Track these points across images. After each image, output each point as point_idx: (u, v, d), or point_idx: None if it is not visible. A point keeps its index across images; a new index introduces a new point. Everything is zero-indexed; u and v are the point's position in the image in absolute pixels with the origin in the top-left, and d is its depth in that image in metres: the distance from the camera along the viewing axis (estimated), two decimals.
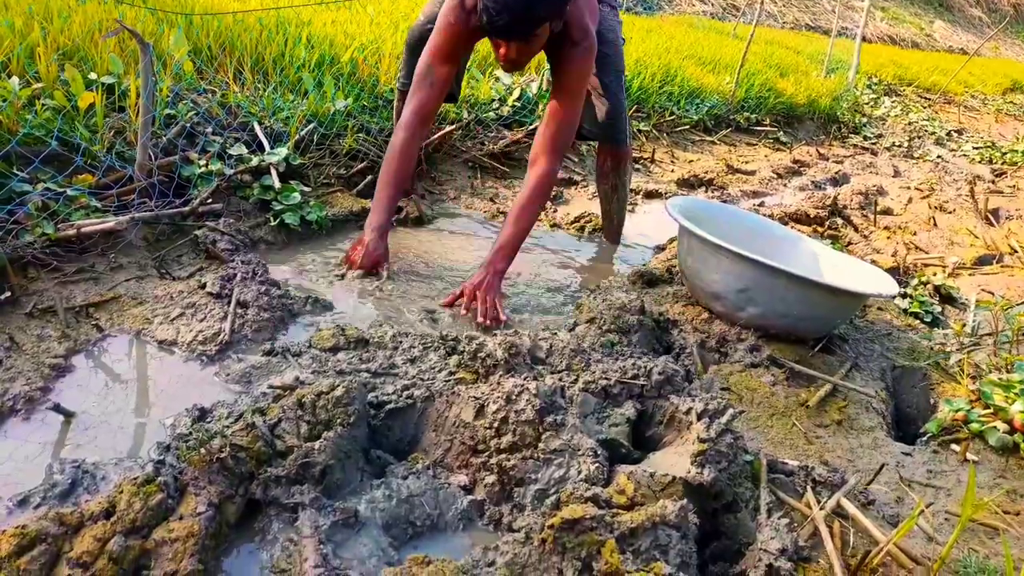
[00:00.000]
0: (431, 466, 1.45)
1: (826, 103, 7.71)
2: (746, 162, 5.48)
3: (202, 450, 1.27)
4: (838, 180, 5.54)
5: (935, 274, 3.18)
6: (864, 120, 8.51)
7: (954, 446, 1.86)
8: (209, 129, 2.79)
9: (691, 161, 5.19)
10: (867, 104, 9.46)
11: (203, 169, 2.59)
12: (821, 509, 1.43)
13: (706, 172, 4.80)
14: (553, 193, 3.75)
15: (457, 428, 1.48)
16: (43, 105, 2.39)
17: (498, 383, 1.52)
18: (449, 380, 1.66)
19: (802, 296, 2.11)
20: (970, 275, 3.38)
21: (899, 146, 7.53)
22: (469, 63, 3.87)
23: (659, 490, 1.32)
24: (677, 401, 1.59)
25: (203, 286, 2.02)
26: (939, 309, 2.80)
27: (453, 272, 2.51)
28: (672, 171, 4.78)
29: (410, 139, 2.39)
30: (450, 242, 2.85)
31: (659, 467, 1.40)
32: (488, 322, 2.09)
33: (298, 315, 2.04)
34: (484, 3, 1.98)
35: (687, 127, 5.81)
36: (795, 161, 5.78)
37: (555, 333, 1.93)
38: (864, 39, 10.65)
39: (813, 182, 5.27)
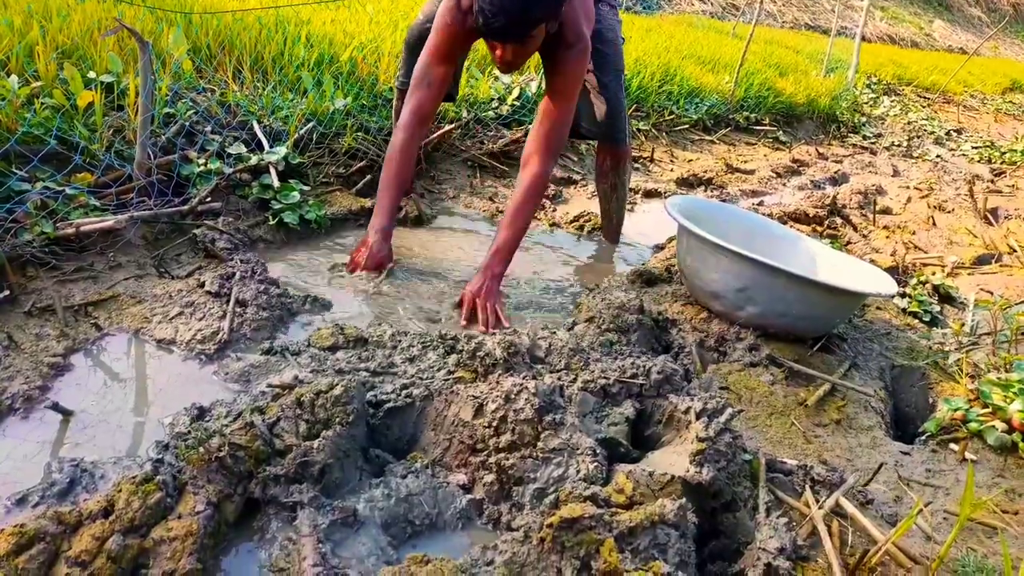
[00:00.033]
0: (430, 465, 1.45)
1: (825, 102, 7.71)
2: (745, 161, 5.48)
3: (201, 449, 1.27)
4: (837, 179, 5.54)
5: (934, 273, 3.18)
6: (863, 119, 8.51)
7: (953, 445, 1.86)
8: (208, 128, 2.79)
9: (690, 160, 5.19)
10: (866, 103, 9.46)
11: (202, 168, 2.59)
12: (820, 508, 1.43)
13: (705, 171, 4.80)
14: (552, 192, 3.75)
15: (456, 427, 1.48)
16: (42, 104, 2.39)
17: (497, 382, 1.52)
18: (448, 379, 1.66)
19: (801, 295, 2.11)
20: (969, 274, 3.38)
21: (898, 145, 7.54)
22: (468, 62, 3.88)
23: (658, 489, 1.32)
24: (676, 400, 1.59)
25: (202, 285, 2.02)
26: (938, 308, 2.80)
27: (453, 271, 2.51)
28: (671, 170, 4.78)
29: (409, 140, 2.40)
30: (449, 241, 2.85)
31: (658, 466, 1.40)
32: (491, 331, 2.09)
33: (297, 314, 2.04)
34: (480, 5, 1.98)
35: (686, 126, 5.81)
36: (794, 160, 5.79)
37: (554, 332, 1.93)
38: (863, 38, 10.65)
39: (812, 181, 5.28)
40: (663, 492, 1.32)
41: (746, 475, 1.50)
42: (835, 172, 5.70)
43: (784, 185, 5.10)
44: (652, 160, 4.89)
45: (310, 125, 3.06)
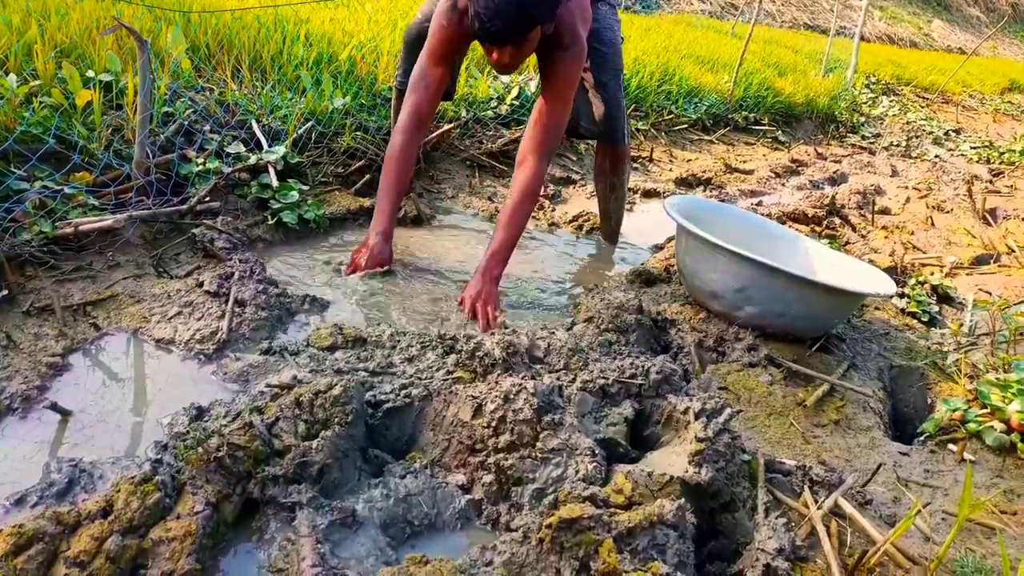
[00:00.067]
0: (429, 465, 1.45)
1: (824, 102, 7.71)
2: (744, 161, 5.48)
3: (199, 449, 1.27)
4: (836, 179, 5.54)
5: (932, 274, 3.18)
6: (862, 119, 8.52)
7: (951, 446, 1.86)
8: (207, 127, 2.78)
9: (689, 160, 5.19)
10: (865, 103, 9.47)
11: (201, 167, 2.58)
12: (818, 509, 1.44)
13: (704, 171, 4.80)
14: (551, 192, 3.75)
15: (455, 427, 1.48)
16: (40, 103, 2.39)
17: (496, 382, 1.52)
18: (447, 379, 1.66)
19: (800, 295, 2.11)
20: (967, 275, 3.38)
21: (897, 145, 7.54)
22: (467, 62, 3.88)
23: (657, 489, 1.32)
24: (675, 400, 1.59)
25: (201, 285, 2.01)
26: (936, 309, 2.81)
27: (452, 271, 2.51)
28: (670, 170, 4.78)
29: (408, 141, 2.40)
30: (449, 241, 2.85)
31: (657, 466, 1.40)
32: (489, 327, 2.09)
33: (296, 314, 2.04)
34: (476, 10, 1.98)
35: (685, 126, 5.81)
36: (793, 160, 5.79)
37: (553, 332, 1.93)
38: (862, 38, 10.65)
39: (811, 181, 5.28)
40: (662, 492, 1.32)
41: (745, 475, 1.50)
42: (834, 172, 5.71)
43: (783, 185, 5.10)
44: (651, 160, 4.89)
45: (309, 124, 3.06)
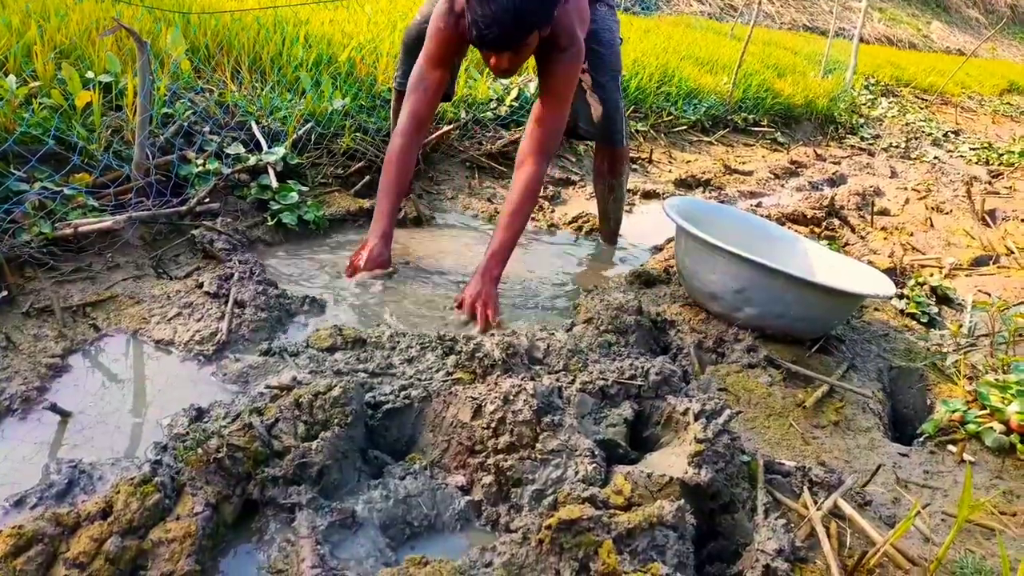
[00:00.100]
0: (428, 466, 1.45)
1: (823, 104, 7.72)
2: (743, 163, 5.49)
3: (199, 450, 1.27)
4: (835, 181, 5.55)
5: (932, 275, 3.18)
6: (861, 121, 8.53)
7: (951, 447, 1.86)
8: (206, 128, 2.79)
9: (688, 161, 5.19)
10: (864, 105, 9.47)
11: (200, 168, 2.58)
12: (818, 510, 1.44)
13: (703, 172, 4.81)
14: (551, 193, 3.75)
15: (454, 428, 1.48)
16: (40, 104, 2.39)
17: (495, 383, 1.52)
18: (446, 380, 1.66)
19: (799, 297, 2.11)
20: (967, 276, 3.38)
21: (896, 147, 7.55)
22: (466, 63, 3.88)
23: (656, 491, 1.32)
24: (674, 402, 1.60)
25: (200, 286, 2.02)
26: (936, 310, 2.81)
27: (451, 272, 2.51)
28: (670, 171, 4.79)
29: (407, 145, 2.40)
30: (448, 242, 2.85)
31: (656, 468, 1.40)
32: (487, 326, 2.09)
33: (295, 315, 2.04)
34: (473, 18, 1.98)
35: (685, 127, 5.82)
36: (792, 162, 5.79)
37: (552, 333, 1.93)
38: (861, 40, 10.66)
39: (810, 183, 5.28)
40: (661, 493, 1.32)
41: (744, 476, 1.50)
42: (833, 173, 5.71)
43: (782, 186, 5.10)
44: (650, 161, 4.89)
45: (308, 126, 3.06)
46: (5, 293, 1.83)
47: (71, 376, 1.65)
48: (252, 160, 2.74)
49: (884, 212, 4.50)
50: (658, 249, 3.21)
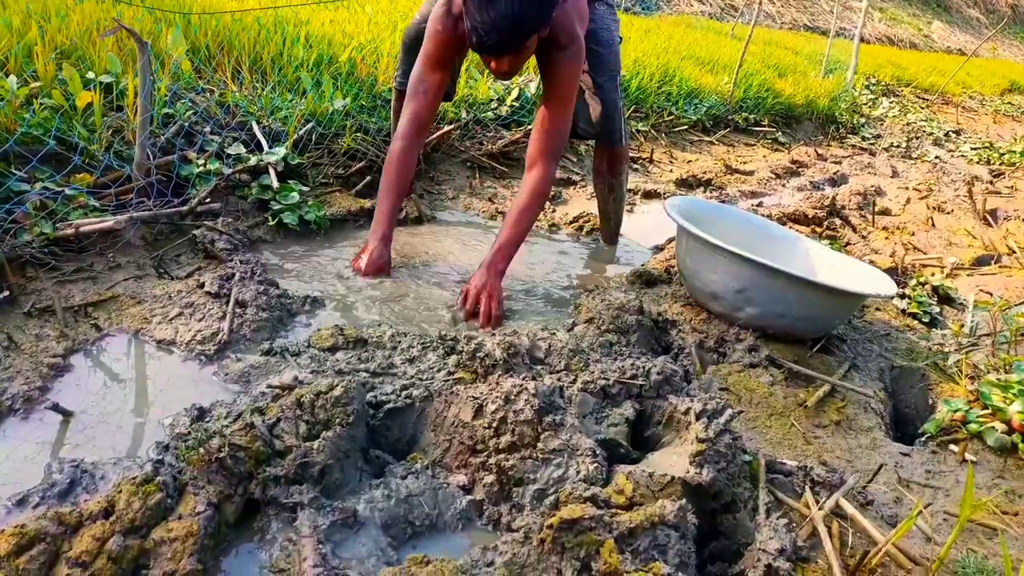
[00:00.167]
0: (430, 466, 1.45)
1: (824, 103, 7.72)
2: (744, 162, 5.49)
3: (201, 450, 1.27)
4: (836, 180, 5.54)
5: (933, 274, 3.18)
6: (862, 120, 8.52)
7: (952, 446, 1.86)
8: (207, 128, 2.79)
9: (689, 161, 5.19)
10: (865, 104, 9.47)
11: (201, 168, 2.59)
12: (820, 509, 1.43)
13: (704, 172, 4.81)
14: (552, 193, 3.75)
15: (456, 428, 1.48)
16: (41, 104, 2.39)
17: (497, 383, 1.52)
18: (448, 380, 1.66)
19: (800, 296, 2.11)
20: (968, 275, 3.38)
21: (897, 146, 7.55)
22: (467, 63, 3.88)
23: (658, 490, 1.32)
24: (676, 401, 1.59)
25: (201, 285, 2.02)
26: (937, 309, 2.81)
27: (452, 272, 2.51)
28: (670, 171, 4.78)
29: (408, 147, 2.41)
30: (449, 242, 2.85)
31: (658, 467, 1.40)
32: (491, 327, 2.10)
33: (297, 315, 2.04)
34: (472, 24, 1.98)
35: (685, 127, 5.82)
36: (793, 161, 5.79)
37: (554, 333, 1.93)
38: (862, 40, 10.66)
39: (811, 182, 5.28)
40: (663, 493, 1.32)
41: (746, 476, 1.50)
42: (834, 173, 5.71)
43: (783, 186, 5.10)
44: (651, 161, 4.89)
45: (309, 126, 3.06)
46: (7, 293, 1.83)
47: (73, 376, 1.65)
48: (253, 160, 2.74)
49: (885, 212, 4.49)
50: (659, 249, 3.21)
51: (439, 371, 1.71)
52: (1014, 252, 3.69)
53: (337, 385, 1.43)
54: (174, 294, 1.99)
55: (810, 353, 2.22)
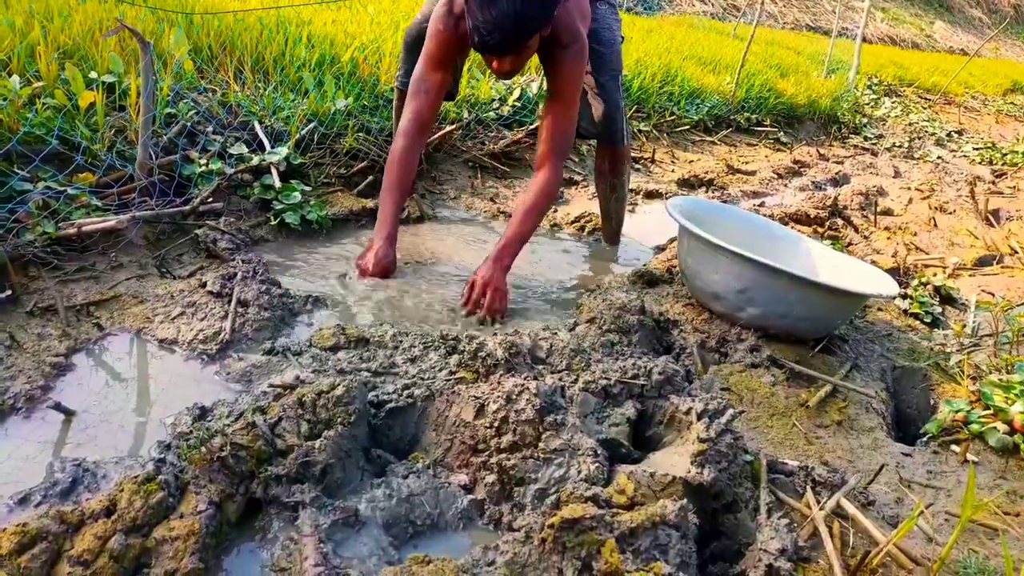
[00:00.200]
0: (431, 465, 1.45)
1: (826, 103, 7.71)
2: (746, 162, 5.48)
3: (203, 449, 1.27)
4: (838, 180, 5.54)
5: (935, 275, 3.17)
6: (864, 121, 8.51)
7: (954, 447, 1.86)
8: (210, 128, 2.79)
9: (691, 161, 5.19)
10: (867, 105, 9.46)
11: (204, 168, 2.59)
12: (821, 509, 1.43)
13: (706, 172, 4.80)
14: None
15: (457, 427, 1.48)
16: (44, 104, 2.40)
17: (498, 383, 1.53)
18: (449, 379, 1.66)
19: (802, 296, 2.11)
20: (970, 276, 3.38)
21: (899, 147, 7.54)
22: (469, 63, 3.88)
23: (659, 490, 1.32)
24: (677, 401, 1.60)
25: (204, 285, 2.02)
26: (939, 310, 2.80)
27: (454, 272, 2.51)
28: (672, 171, 4.78)
29: (410, 146, 2.40)
30: (451, 242, 2.85)
31: (659, 467, 1.40)
32: (493, 316, 2.13)
33: (299, 314, 2.04)
34: (474, 23, 1.98)
35: (687, 127, 5.81)
36: (795, 161, 5.79)
37: (555, 333, 1.93)
38: (864, 40, 10.65)
39: (813, 182, 5.28)
40: (664, 493, 1.32)
41: (747, 476, 1.50)
42: (836, 173, 5.70)
43: (785, 186, 5.10)
44: (653, 161, 4.89)
45: (311, 126, 3.07)
46: (9, 292, 1.83)
47: (75, 375, 1.65)
48: (255, 160, 2.74)
49: (887, 212, 4.49)
50: (661, 249, 3.21)
51: (441, 371, 1.71)
52: (1016, 252, 3.69)
53: (339, 384, 1.43)
54: (176, 293, 1.99)
55: (812, 353, 2.22)
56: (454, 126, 3.72)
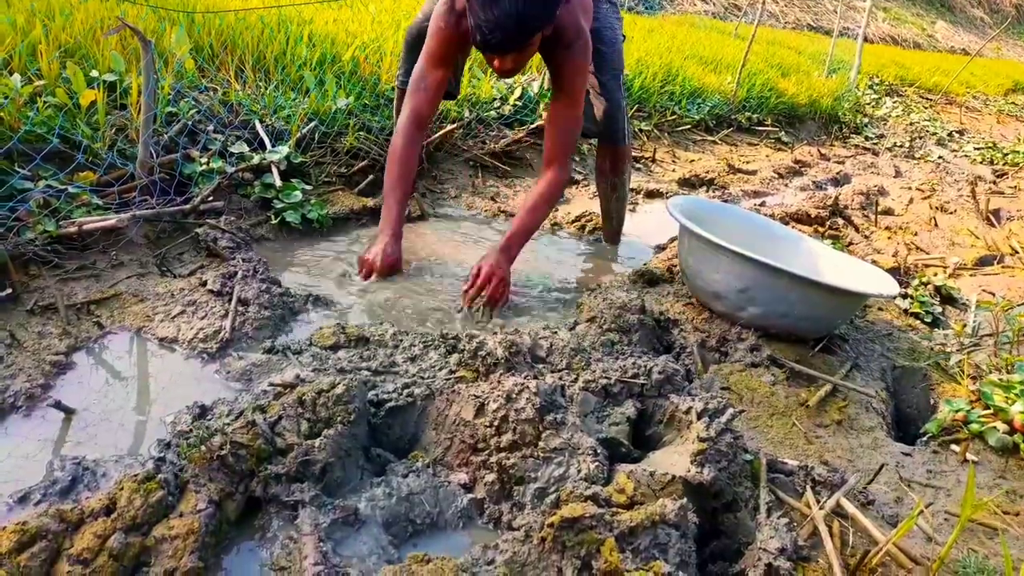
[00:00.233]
0: (431, 464, 1.45)
1: (828, 103, 7.71)
2: (747, 162, 5.48)
3: (203, 447, 1.27)
4: (839, 180, 5.54)
5: (936, 274, 3.17)
6: (865, 120, 8.51)
7: (954, 446, 1.86)
8: (211, 127, 2.79)
9: (692, 161, 5.19)
10: (868, 104, 9.46)
11: (204, 167, 2.59)
12: (820, 509, 1.43)
13: (707, 172, 4.80)
14: None
15: (457, 426, 1.48)
16: (45, 102, 2.40)
17: (498, 382, 1.53)
18: (449, 378, 1.66)
19: (803, 296, 2.10)
20: (971, 276, 3.37)
21: (900, 146, 7.53)
22: (470, 62, 3.88)
23: (659, 489, 1.32)
24: (677, 400, 1.59)
25: (204, 284, 2.02)
26: (940, 309, 2.80)
27: (454, 271, 2.51)
28: (673, 171, 4.78)
29: (409, 143, 2.40)
30: (451, 241, 2.85)
31: (659, 466, 1.40)
32: (494, 304, 2.15)
33: (299, 313, 2.05)
34: (476, 22, 1.98)
35: (688, 127, 5.81)
36: (796, 161, 5.78)
37: (555, 332, 1.93)
38: (866, 39, 10.64)
39: (814, 182, 5.27)
40: (664, 492, 1.32)
41: (747, 475, 1.50)
42: (837, 173, 5.70)
43: (786, 186, 5.09)
44: (654, 160, 4.89)
45: (312, 124, 3.07)
46: (10, 291, 1.84)
47: (75, 373, 1.66)
48: (256, 159, 2.74)
49: (888, 212, 4.49)
50: (661, 248, 3.20)
51: (441, 369, 1.71)
52: (1017, 252, 3.68)
53: (339, 383, 1.43)
54: (176, 292, 1.99)
55: (812, 353, 2.21)
56: (455, 125, 3.71)
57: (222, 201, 2.54)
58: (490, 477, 1.40)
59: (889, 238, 3.82)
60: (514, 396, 1.46)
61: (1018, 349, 2.29)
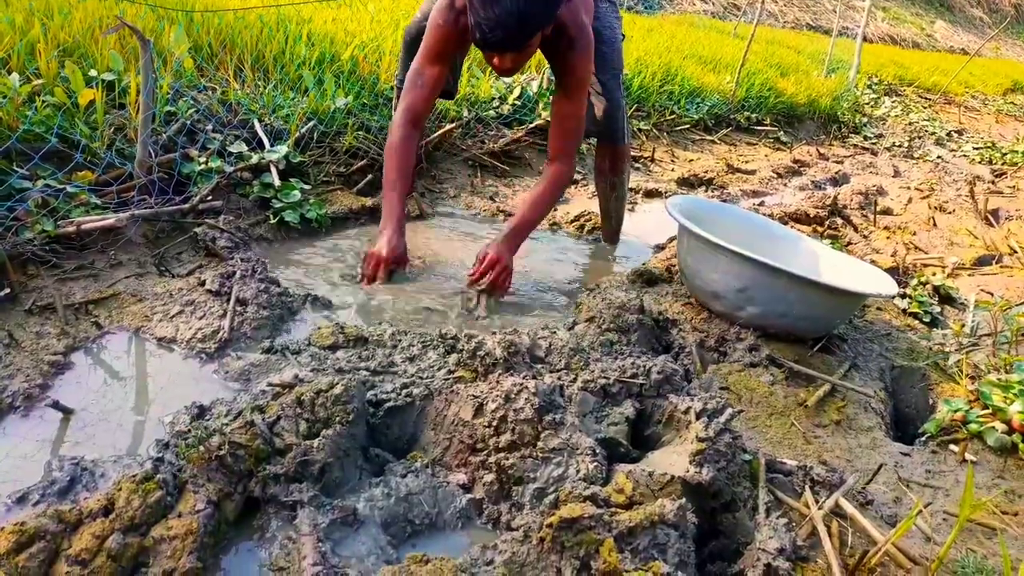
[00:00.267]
0: (430, 464, 1.45)
1: (826, 103, 7.71)
2: (746, 161, 5.48)
3: (201, 448, 1.27)
4: (838, 180, 5.54)
5: (934, 274, 3.17)
6: (864, 120, 8.51)
7: (952, 446, 1.86)
8: (209, 126, 2.79)
9: (691, 160, 5.19)
10: (867, 104, 9.46)
11: (203, 166, 2.59)
12: (819, 509, 1.43)
13: (706, 171, 4.80)
14: None
15: (456, 427, 1.48)
16: (43, 102, 2.39)
17: (497, 382, 1.52)
18: (448, 379, 1.66)
19: (801, 296, 2.11)
20: (969, 275, 3.38)
21: (899, 146, 7.54)
22: (469, 62, 3.88)
23: (658, 489, 1.32)
24: (676, 400, 1.59)
25: (202, 283, 2.02)
26: (938, 309, 2.80)
27: (453, 271, 2.51)
28: (672, 170, 4.78)
29: (405, 139, 2.39)
30: (450, 240, 2.85)
31: (658, 466, 1.40)
32: (494, 292, 2.20)
33: (297, 313, 2.04)
34: (476, 20, 1.97)
35: (687, 126, 5.81)
36: (795, 161, 5.78)
37: (554, 332, 1.93)
38: (865, 39, 10.64)
39: (813, 182, 5.28)
40: (663, 492, 1.32)
41: (746, 475, 1.50)
42: (836, 172, 5.70)
43: (785, 185, 5.10)
44: (653, 160, 4.89)
45: (311, 124, 3.07)
46: (8, 291, 1.83)
47: (73, 373, 1.65)
48: (255, 158, 2.74)
49: (887, 211, 4.49)
50: (660, 248, 3.21)
51: (439, 369, 1.71)
52: (1015, 252, 3.68)
53: (337, 383, 1.43)
54: (175, 292, 1.99)
55: (811, 352, 2.21)
56: (454, 124, 3.71)
57: (221, 201, 2.54)
58: (489, 477, 1.40)
59: (888, 238, 3.82)
60: (513, 396, 1.46)
61: (1016, 349, 2.29)
